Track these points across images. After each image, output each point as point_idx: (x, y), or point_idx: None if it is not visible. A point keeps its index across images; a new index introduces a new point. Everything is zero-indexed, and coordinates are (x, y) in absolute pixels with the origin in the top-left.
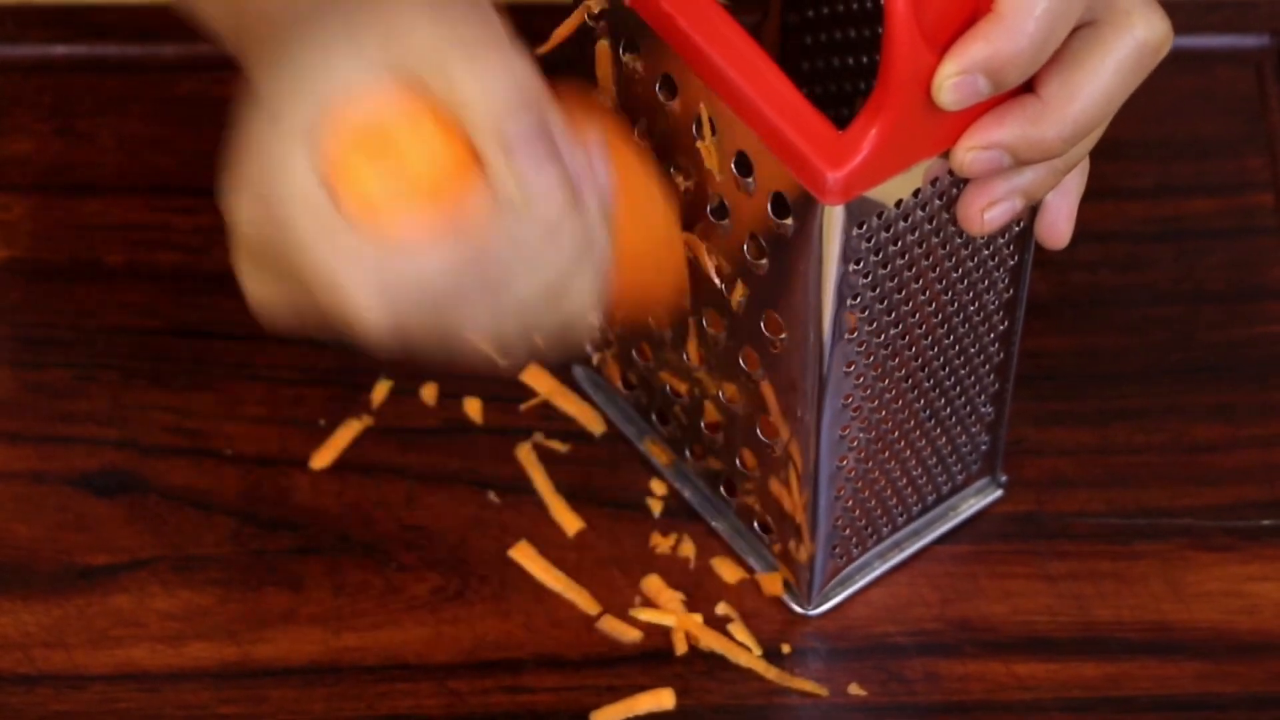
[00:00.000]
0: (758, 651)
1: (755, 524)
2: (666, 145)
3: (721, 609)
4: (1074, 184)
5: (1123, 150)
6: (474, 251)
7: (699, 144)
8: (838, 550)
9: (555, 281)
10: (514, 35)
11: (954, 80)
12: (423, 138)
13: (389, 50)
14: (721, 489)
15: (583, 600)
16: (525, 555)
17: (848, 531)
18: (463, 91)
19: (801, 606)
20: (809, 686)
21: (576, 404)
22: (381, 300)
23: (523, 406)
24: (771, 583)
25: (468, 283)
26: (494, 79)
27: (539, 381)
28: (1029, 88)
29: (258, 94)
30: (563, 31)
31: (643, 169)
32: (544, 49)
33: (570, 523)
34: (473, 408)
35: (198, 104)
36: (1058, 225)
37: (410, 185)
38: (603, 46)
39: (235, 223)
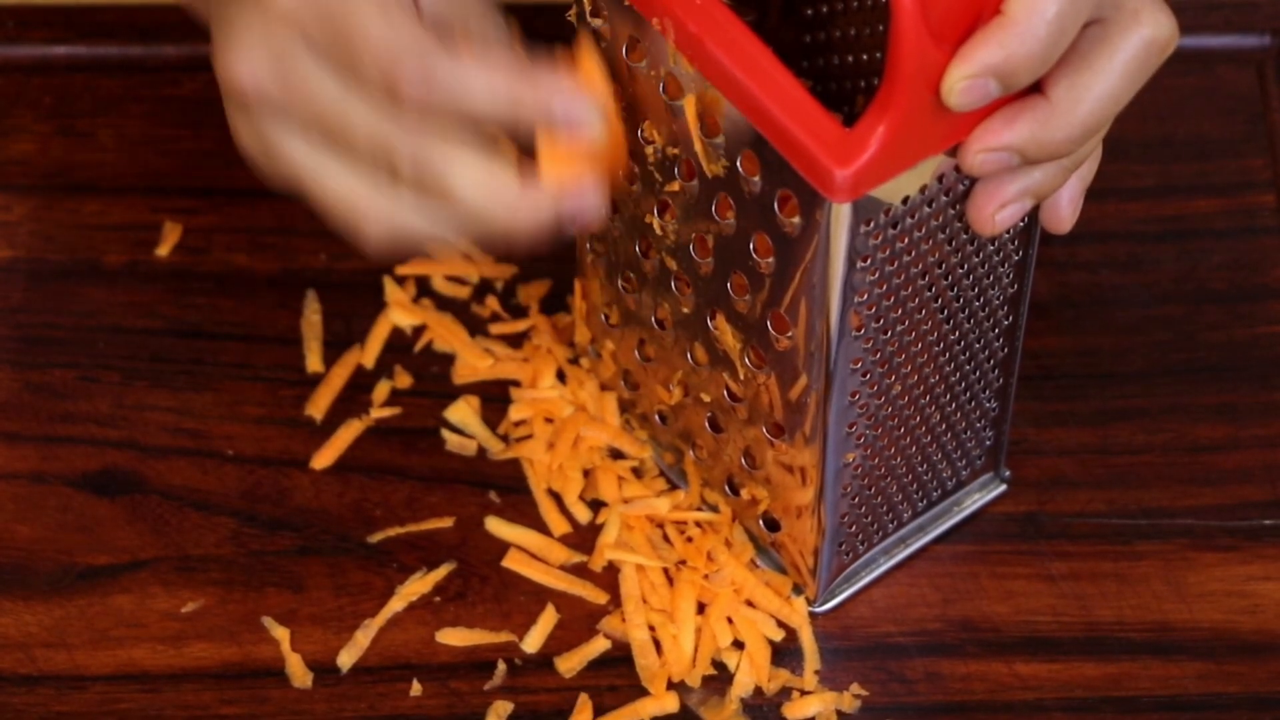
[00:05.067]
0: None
1: (760, 522)
2: (671, 144)
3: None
4: (1082, 169)
5: (1124, 150)
6: None
7: (704, 142)
8: (844, 547)
9: None
10: None
11: (965, 84)
12: None
13: None
14: (726, 488)
15: (583, 600)
16: (525, 555)
17: (854, 528)
18: None
19: (808, 604)
20: (811, 686)
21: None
22: None
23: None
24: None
25: None
26: None
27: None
28: (1037, 87)
29: None
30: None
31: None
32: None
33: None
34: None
35: (198, 104)
36: (1059, 209)
37: None
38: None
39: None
